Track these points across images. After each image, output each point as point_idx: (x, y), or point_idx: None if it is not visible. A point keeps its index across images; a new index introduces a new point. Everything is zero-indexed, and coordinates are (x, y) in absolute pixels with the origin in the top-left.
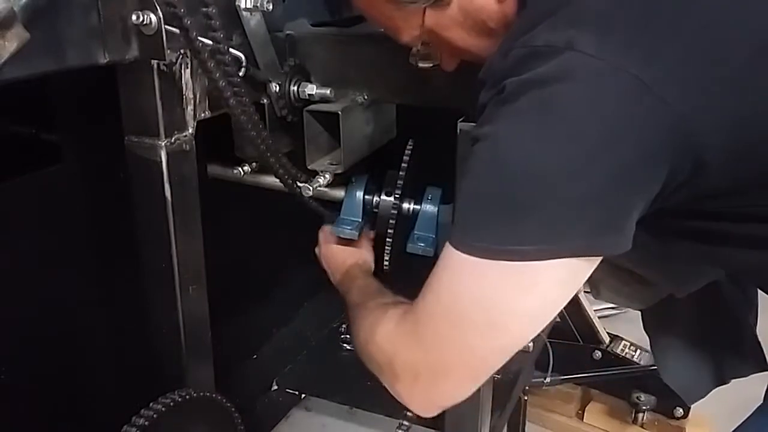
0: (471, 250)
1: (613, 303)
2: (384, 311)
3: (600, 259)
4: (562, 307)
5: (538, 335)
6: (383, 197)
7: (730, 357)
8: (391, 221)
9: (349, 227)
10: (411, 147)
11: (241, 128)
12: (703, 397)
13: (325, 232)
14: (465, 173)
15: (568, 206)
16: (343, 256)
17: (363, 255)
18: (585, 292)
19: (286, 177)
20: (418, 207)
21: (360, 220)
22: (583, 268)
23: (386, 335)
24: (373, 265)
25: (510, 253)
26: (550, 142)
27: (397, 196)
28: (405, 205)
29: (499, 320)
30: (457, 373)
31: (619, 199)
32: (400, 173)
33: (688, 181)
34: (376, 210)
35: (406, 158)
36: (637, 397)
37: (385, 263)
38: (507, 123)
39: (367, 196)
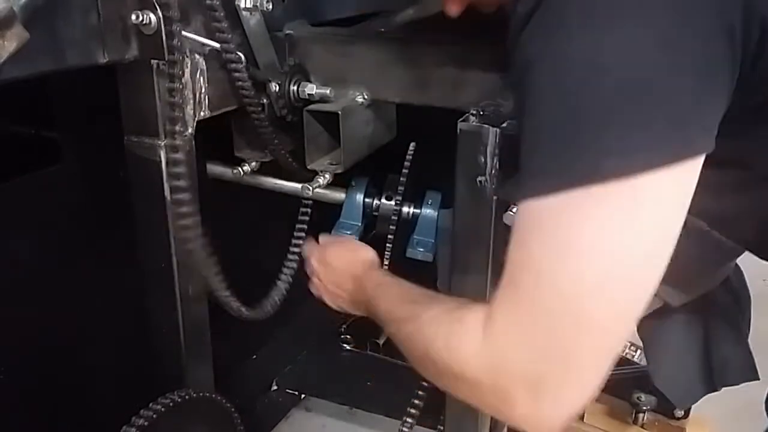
0: (556, 186)
1: None
2: (460, 320)
3: (695, 169)
4: (674, 240)
5: None
6: (383, 201)
7: (722, 365)
8: (391, 226)
9: (348, 231)
10: (412, 151)
11: (258, 125)
12: (693, 403)
13: (318, 247)
14: (525, 110)
15: (649, 103)
16: (346, 257)
17: (367, 252)
18: None
19: (296, 169)
20: (418, 211)
21: (360, 224)
22: (682, 178)
23: (477, 352)
24: (378, 261)
25: (599, 172)
26: (615, 35)
27: (398, 200)
28: (405, 209)
29: (615, 266)
30: (588, 359)
31: (704, 84)
32: (401, 177)
33: (760, 53)
34: (375, 213)
35: (407, 162)
36: (638, 398)
37: (384, 268)
38: (562, 31)
39: (367, 200)
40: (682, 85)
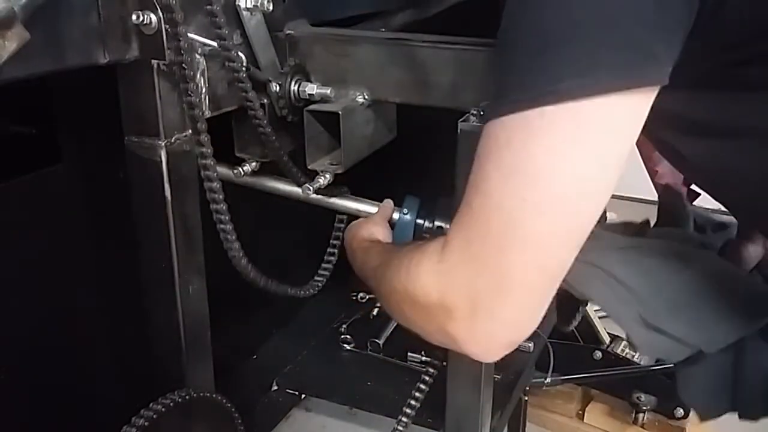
0: (506, 108)
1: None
2: (422, 249)
3: (646, 103)
4: (619, 169)
5: (539, 334)
6: (437, 223)
7: (745, 397)
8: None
9: None
10: None
11: (257, 125)
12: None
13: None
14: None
15: (602, 29)
16: (358, 228)
17: (382, 229)
18: None
19: (297, 174)
20: None
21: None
22: (633, 107)
23: (430, 269)
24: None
25: (545, 95)
26: None
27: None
28: None
29: (558, 188)
30: (523, 277)
31: (658, 17)
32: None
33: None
34: (426, 235)
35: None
36: (638, 398)
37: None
38: None
39: (418, 221)
40: (635, 17)
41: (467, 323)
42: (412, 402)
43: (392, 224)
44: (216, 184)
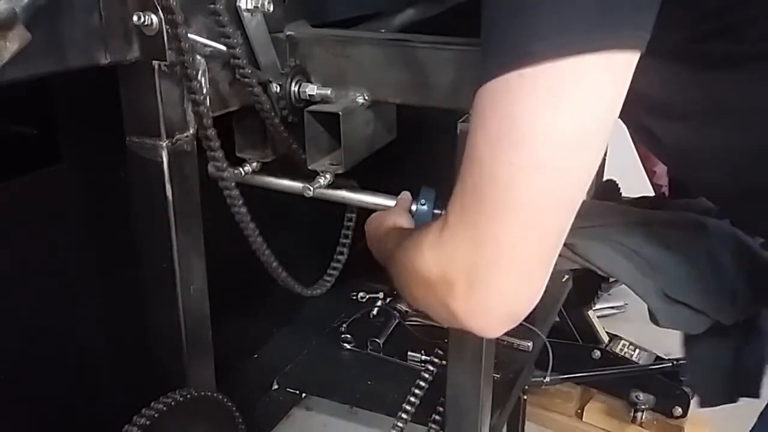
0: (488, 74)
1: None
2: (426, 227)
3: (626, 67)
4: (605, 134)
5: (538, 334)
6: None
7: (747, 375)
8: None
9: None
10: None
11: (268, 123)
12: (714, 406)
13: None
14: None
15: None
16: (382, 218)
17: (405, 219)
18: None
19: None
20: None
21: None
22: (612, 70)
23: (431, 244)
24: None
25: (523, 56)
26: None
27: None
28: None
29: (546, 152)
30: (520, 245)
31: None
32: None
33: None
34: None
35: None
36: (636, 397)
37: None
38: None
39: (436, 211)
40: None
41: (466, 296)
42: (412, 399)
43: (411, 215)
44: (227, 174)
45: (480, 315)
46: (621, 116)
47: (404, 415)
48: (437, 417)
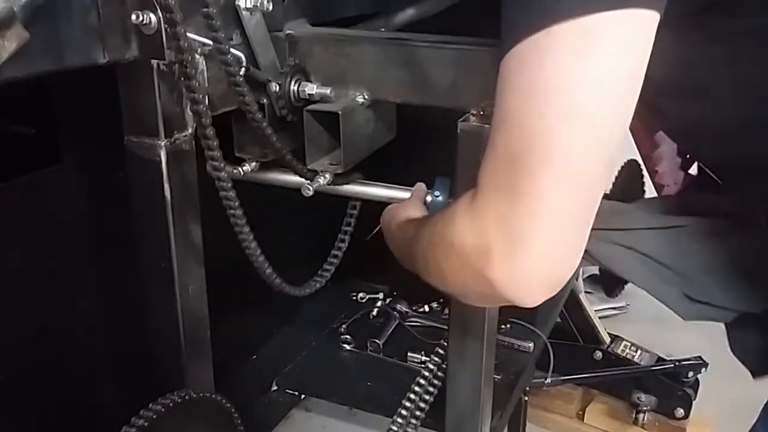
0: (515, 37)
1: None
2: (453, 204)
3: (648, 25)
4: (634, 86)
5: (538, 335)
6: None
7: None
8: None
9: None
10: None
11: (255, 126)
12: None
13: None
14: None
15: None
16: (397, 210)
17: (420, 210)
18: (586, 292)
19: (303, 170)
20: None
21: None
22: (634, 26)
23: (464, 212)
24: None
25: (550, 14)
26: None
27: None
28: None
29: (576, 101)
30: (554, 202)
31: None
32: None
33: None
34: None
35: None
36: (638, 398)
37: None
38: None
39: (451, 201)
40: None
41: (504, 261)
42: (413, 398)
43: (426, 207)
44: (224, 174)
45: (520, 280)
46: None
47: (399, 420)
48: (438, 418)
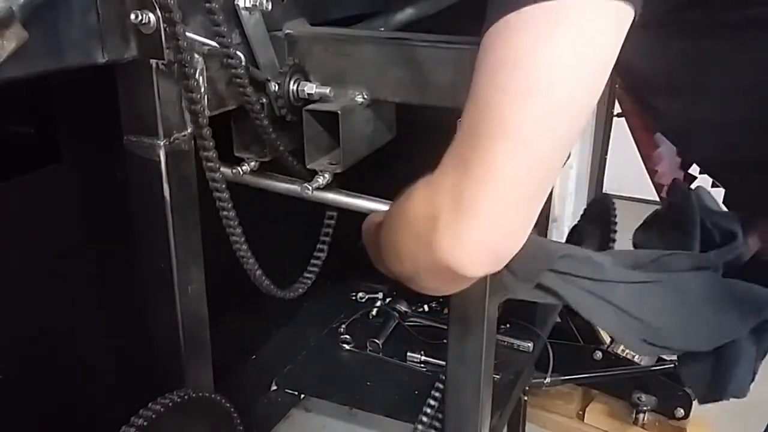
0: (493, 18)
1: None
2: (411, 188)
3: (620, 18)
4: (600, 75)
5: (538, 334)
6: None
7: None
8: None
9: None
10: None
11: (258, 125)
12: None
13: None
14: None
15: None
16: (372, 219)
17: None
18: None
19: (300, 171)
20: None
21: None
22: (603, 15)
23: (422, 186)
24: None
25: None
26: None
27: None
28: None
29: (534, 75)
30: (505, 173)
31: None
32: None
33: None
34: None
35: None
36: (638, 398)
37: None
38: None
39: None
40: None
41: (450, 227)
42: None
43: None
44: (218, 175)
45: (462, 246)
46: (630, 97)
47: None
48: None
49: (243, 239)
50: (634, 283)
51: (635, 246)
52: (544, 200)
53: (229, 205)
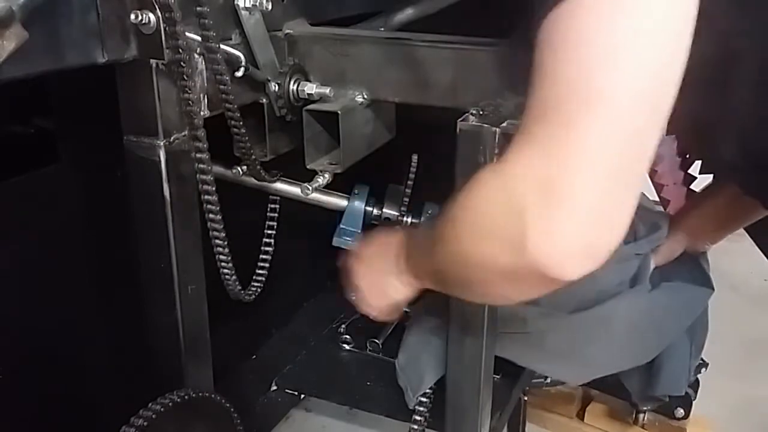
0: (552, 4)
1: None
2: (467, 185)
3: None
4: (678, 39)
5: None
6: (386, 210)
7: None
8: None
9: (350, 238)
10: (415, 163)
11: (234, 132)
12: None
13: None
14: None
15: None
16: (376, 241)
17: (388, 236)
18: None
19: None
20: (417, 221)
21: (359, 231)
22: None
23: (491, 174)
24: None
25: None
26: None
27: (402, 211)
28: (407, 219)
29: (612, 41)
30: (596, 150)
31: None
32: (406, 190)
33: None
34: (375, 222)
35: (411, 175)
36: None
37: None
38: None
39: (368, 208)
40: None
41: (542, 220)
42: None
43: (342, 212)
44: (209, 177)
45: (560, 243)
46: None
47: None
48: (437, 418)
49: (225, 243)
50: (569, 315)
51: None
52: (641, 188)
53: (216, 208)
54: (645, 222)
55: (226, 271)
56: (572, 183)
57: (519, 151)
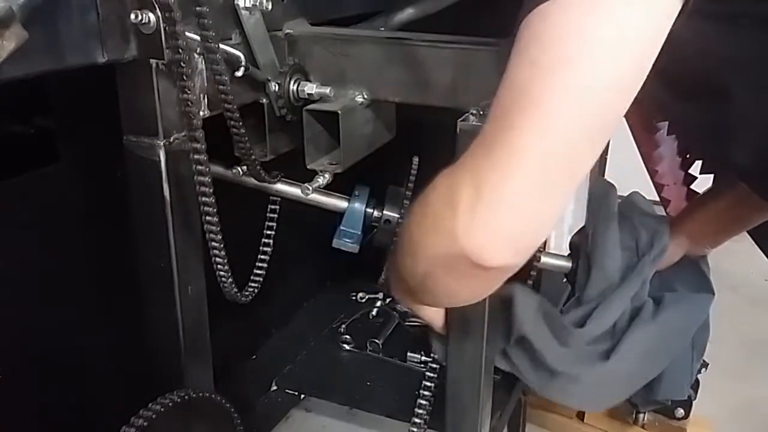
0: (528, 7)
1: None
2: (434, 179)
3: (664, 13)
4: (636, 60)
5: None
6: (386, 212)
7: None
8: (395, 238)
9: (350, 240)
10: (416, 165)
11: (233, 133)
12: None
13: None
14: None
15: None
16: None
17: None
18: None
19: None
20: None
21: (360, 233)
22: (641, 6)
23: (444, 174)
24: None
25: None
26: None
27: (403, 213)
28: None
29: (564, 50)
30: (529, 152)
31: None
32: (407, 192)
33: None
34: (375, 224)
35: (412, 177)
36: None
37: (382, 278)
38: None
39: (368, 210)
40: None
41: (469, 211)
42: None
43: (342, 213)
44: (207, 178)
45: (481, 232)
46: (651, 107)
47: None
48: (437, 418)
49: (222, 245)
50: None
51: (570, 245)
52: (571, 195)
53: (213, 210)
54: (647, 228)
55: (222, 272)
56: (499, 180)
57: (470, 150)
